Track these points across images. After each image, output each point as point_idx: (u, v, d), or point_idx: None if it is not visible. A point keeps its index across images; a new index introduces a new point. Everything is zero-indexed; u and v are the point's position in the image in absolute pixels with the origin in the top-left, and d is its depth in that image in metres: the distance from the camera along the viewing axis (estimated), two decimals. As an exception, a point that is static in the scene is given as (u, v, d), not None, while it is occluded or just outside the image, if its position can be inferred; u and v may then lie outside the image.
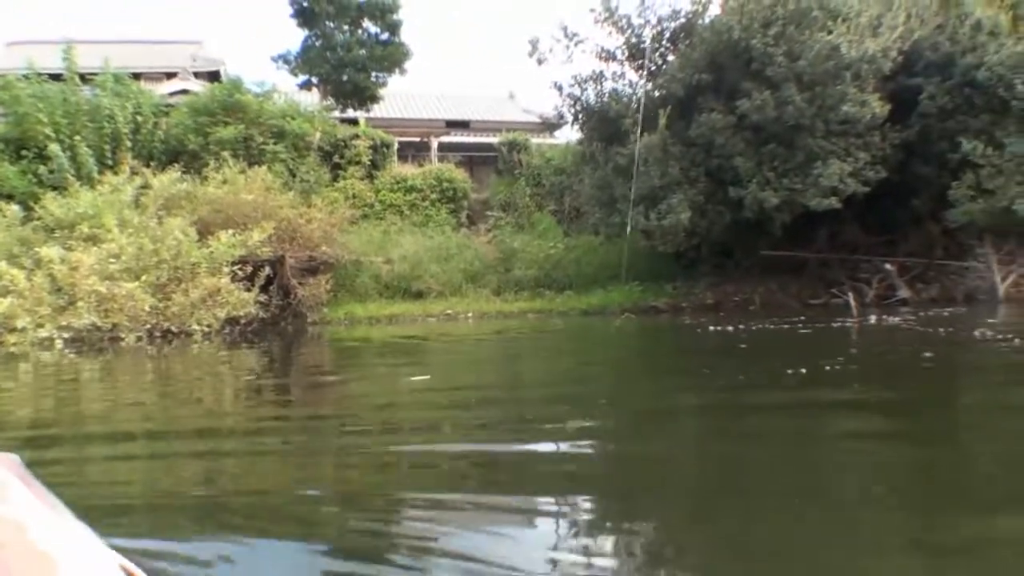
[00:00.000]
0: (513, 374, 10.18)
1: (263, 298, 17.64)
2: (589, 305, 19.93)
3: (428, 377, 8.84)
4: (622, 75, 19.72)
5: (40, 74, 23.03)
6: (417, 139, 29.55)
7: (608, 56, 19.47)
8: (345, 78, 27.88)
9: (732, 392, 7.12)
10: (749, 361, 9.65)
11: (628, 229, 17.70)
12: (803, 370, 7.74)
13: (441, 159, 28.13)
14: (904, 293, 18.13)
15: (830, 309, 17.40)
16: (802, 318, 14.57)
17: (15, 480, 1.09)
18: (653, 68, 19.29)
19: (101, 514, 3.27)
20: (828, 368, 7.92)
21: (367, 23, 28.38)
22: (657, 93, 18.46)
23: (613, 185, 18.22)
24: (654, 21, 18.92)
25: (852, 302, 17.46)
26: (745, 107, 16.23)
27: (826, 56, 15.88)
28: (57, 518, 1.06)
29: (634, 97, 18.88)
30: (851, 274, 19.08)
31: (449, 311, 19.93)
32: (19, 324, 14.48)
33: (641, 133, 17.10)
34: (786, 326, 13.39)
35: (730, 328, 13.25)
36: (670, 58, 19.17)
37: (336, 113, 27.49)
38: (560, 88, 19.39)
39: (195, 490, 4.42)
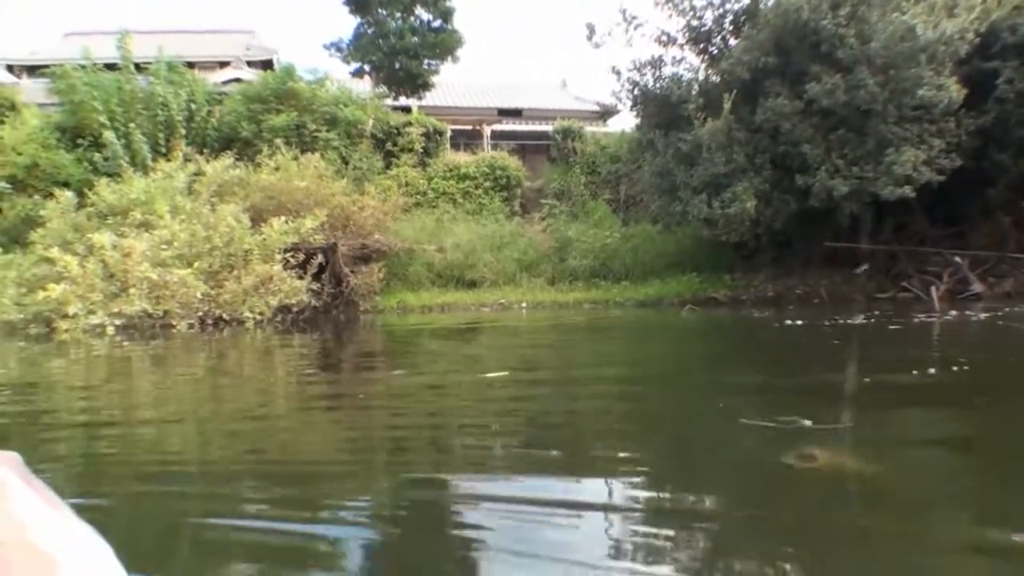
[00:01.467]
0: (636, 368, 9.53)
1: (315, 286, 17.43)
2: (646, 296, 19.41)
3: (506, 373, 8.12)
4: (682, 60, 19.10)
5: (96, 64, 23.18)
6: (469, 127, 29.22)
7: (668, 40, 18.85)
8: (397, 65, 27.59)
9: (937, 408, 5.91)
10: (869, 361, 8.81)
11: (690, 218, 17.13)
12: (931, 370, 7.13)
13: (494, 147, 27.74)
14: (977, 287, 17.32)
15: (900, 303, 16.70)
16: (877, 312, 13.92)
17: (16, 479, 1.04)
18: (715, 52, 18.67)
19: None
20: (956, 368, 7.21)
21: (419, 10, 28.02)
22: (718, 78, 17.85)
23: (674, 172, 17.62)
24: (716, 3, 18.27)
25: (935, 296, 16.72)
26: (814, 91, 15.52)
27: (900, 37, 15.10)
28: (59, 517, 1.04)
29: (695, 82, 18.28)
30: (919, 267, 18.32)
31: (502, 300, 19.56)
32: (71, 311, 14.39)
33: (704, 119, 16.48)
34: (868, 321, 12.76)
35: (804, 322, 12.66)
36: (732, 41, 18.49)
37: (388, 101, 27.22)
38: (618, 73, 18.81)
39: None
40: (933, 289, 17.12)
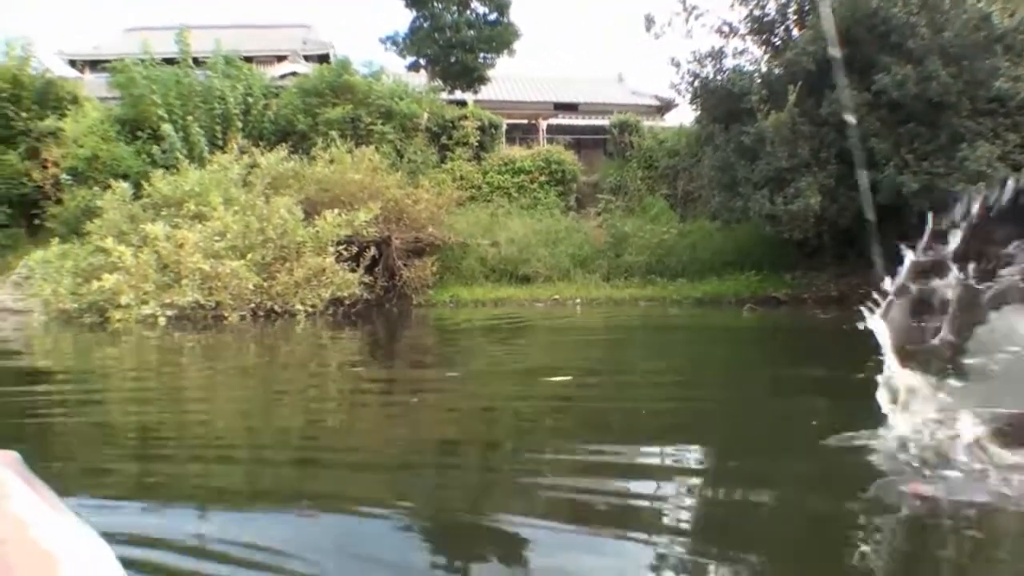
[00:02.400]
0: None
1: (368, 279, 17.30)
2: (704, 293, 18.94)
3: (570, 378, 7.45)
4: (744, 51, 18.59)
5: (155, 58, 23.52)
6: (525, 121, 29.00)
7: (730, 31, 18.36)
8: (453, 59, 27.44)
9: None
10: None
11: (751, 214, 16.61)
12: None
13: (549, 141, 27.45)
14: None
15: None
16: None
17: (15, 477, 1.01)
18: (778, 43, 18.11)
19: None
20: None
21: (476, 4, 27.86)
22: (781, 70, 17.28)
23: (735, 167, 17.10)
24: (780, -9, 17.73)
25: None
26: (883, 82, 14.89)
27: (975, 26, 14.43)
28: (58, 516, 1.00)
29: (757, 74, 17.74)
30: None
31: (556, 296, 19.26)
32: (123, 300, 14.43)
33: (768, 111, 15.96)
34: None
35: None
36: (796, 32, 17.91)
37: (444, 95, 27.09)
38: (678, 65, 18.36)
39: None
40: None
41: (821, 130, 16.08)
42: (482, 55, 28.01)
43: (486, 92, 29.57)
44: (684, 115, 26.86)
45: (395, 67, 28.13)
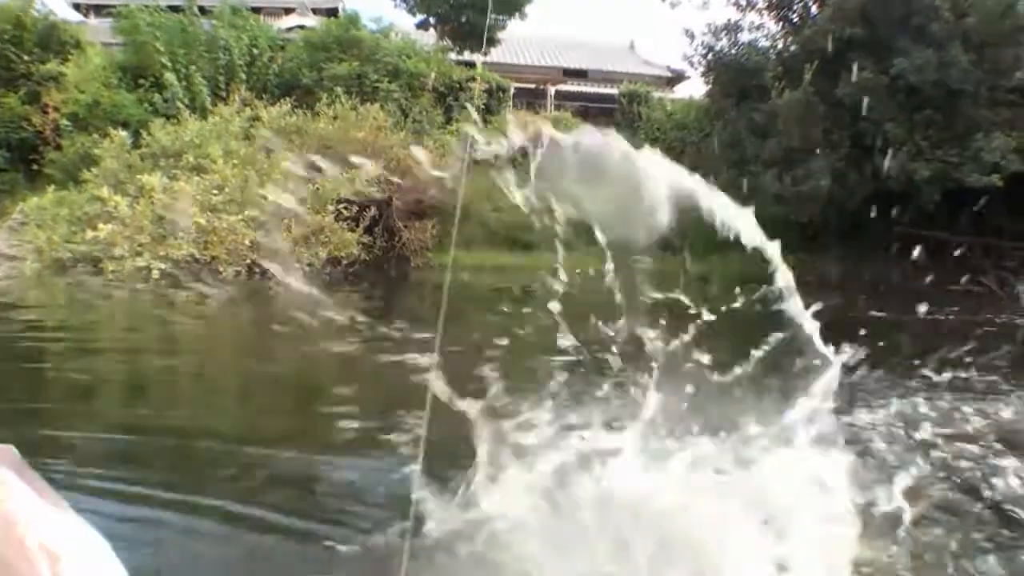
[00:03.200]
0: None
1: (367, 239, 17.07)
2: (704, 270, 18.71)
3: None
4: (760, 26, 18.26)
5: (160, 5, 23.08)
6: (533, 86, 28.63)
7: (747, 4, 18.02)
8: (464, 19, 26.95)
9: None
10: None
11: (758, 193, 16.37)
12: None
13: (557, 107, 27.16)
14: (1063, 288, 16.35)
15: (971, 298, 15.81)
16: (956, 308, 13.12)
17: (11, 473, 0.98)
18: (796, 20, 17.78)
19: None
20: None
21: (489, -38, 27.32)
22: (797, 47, 16.98)
23: (745, 144, 16.86)
24: (802, -33, 17.38)
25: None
26: (903, 66, 14.61)
27: (1000, 13, 14.14)
28: (55, 513, 0.99)
29: (772, 50, 17.45)
30: (996, 262, 17.33)
31: (557, 264, 19.01)
32: (117, 252, 14.21)
33: (782, 89, 15.68)
34: (956, 317, 11.99)
35: (888, 315, 11.86)
36: (814, 9, 17.60)
37: (453, 55, 26.66)
38: (692, 36, 18.05)
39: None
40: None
41: (835, 111, 15.82)
42: (493, 16, 27.52)
43: (495, 54, 29.12)
44: (695, 88, 26.55)
45: (404, 24, 27.72)
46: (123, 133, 17.50)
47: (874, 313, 12.15)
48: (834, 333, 3.38)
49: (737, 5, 18.22)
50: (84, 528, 1.02)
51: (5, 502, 0.93)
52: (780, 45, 17.84)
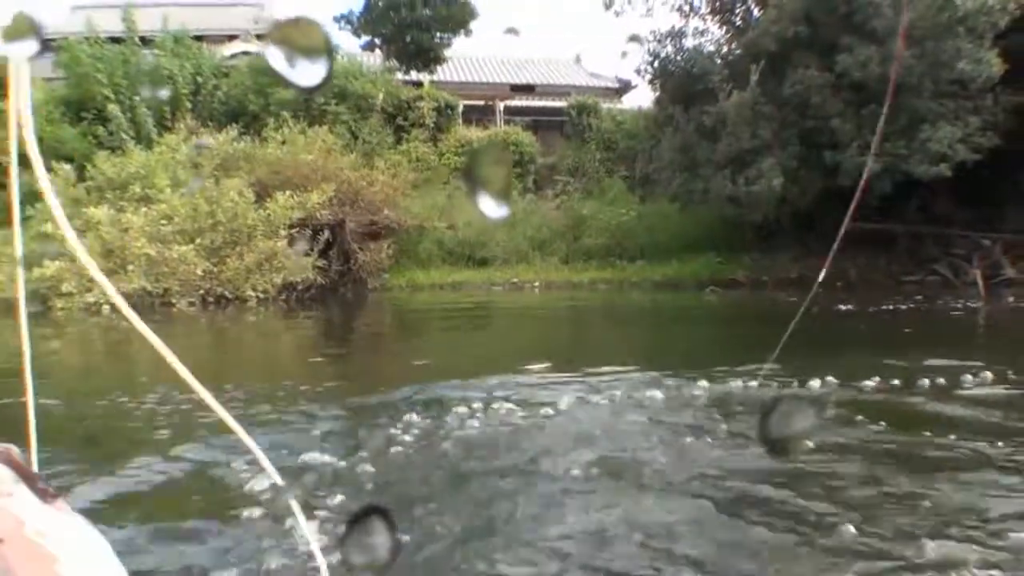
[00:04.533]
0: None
1: (322, 263, 16.85)
2: (663, 276, 18.79)
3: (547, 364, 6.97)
4: (704, 31, 18.39)
5: (101, 37, 22.72)
6: (482, 103, 28.61)
7: (690, 10, 18.16)
8: (409, 39, 26.89)
9: None
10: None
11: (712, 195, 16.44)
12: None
13: (506, 123, 27.15)
14: (1010, 272, 16.57)
15: (927, 287, 16.03)
16: (918, 297, 13.26)
17: (11, 472, 0.98)
18: (739, 23, 17.94)
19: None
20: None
21: (432, -19, 27.29)
22: (739, 51, 17.11)
23: (696, 148, 16.90)
24: (741, -30, 17.55)
25: (979, 280, 15.92)
26: (846, 63, 14.75)
27: (938, 7, 14.32)
28: (56, 513, 0.99)
29: (718, 54, 17.57)
30: (945, 250, 17.55)
31: (515, 279, 18.99)
32: (65, 288, 13.85)
33: (729, 92, 15.76)
34: (918, 307, 12.10)
35: (851, 308, 11.93)
36: (756, 12, 17.78)
37: (400, 76, 26.56)
38: (639, 41, 18.09)
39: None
40: (977, 273, 16.33)
41: (783, 111, 15.94)
42: (438, 35, 27.49)
43: (442, 73, 29.10)
44: (642, 98, 26.74)
45: (350, 47, 27.62)
46: (67, 167, 17.11)
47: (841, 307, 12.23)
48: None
49: (681, 11, 18.36)
50: (85, 528, 1.02)
51: (8, 504, 0.93)
52: (725, 49, 17.96)
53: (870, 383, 5.54)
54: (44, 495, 0.99)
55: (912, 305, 12.42)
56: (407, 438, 4.43)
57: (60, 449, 4.31)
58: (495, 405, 5.10)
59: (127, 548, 2.69)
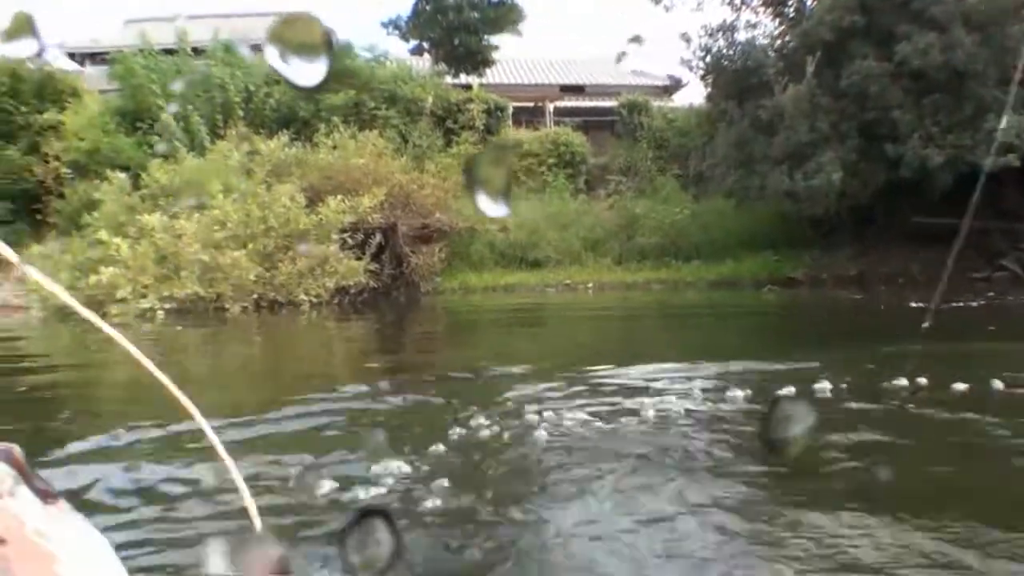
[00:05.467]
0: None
1: (374, 267, 16.84)
2: (719, 275, 18.45)
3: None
4: (756, 24, 18.04)
5: (154, 48, 23.15)
6: (531, 104, 28.46)
7: (741, 3, 17.81)
8: (457, 42, 26.87)
9: None
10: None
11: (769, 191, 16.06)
12: None
13: (556, 123, 26.97)
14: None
15: (996, 283, 15.46)
16: (990, 294, 12.76)
17: (14, 472, 0.97)
18: (792, 14, 17.54)
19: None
20: None
21: (479, -17, 27.25)
22: (796, 41, 16.71)
23: (752, 143, 16.56)
24: (795, -40, 17.17)
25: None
26: (906, 52, 14.32)
27: (1001, -9, 13.86)
28: (56, 511, 0.99)
29: (771, 47, 17.20)
30: (1013, 244, 16.95)
31: (568, 281, 18.81)
32: (120, 294, 14.00)
33: (785, 84, 15.40)
34: (989, 303, 11.66)
35: (923, 305, 11.43)
36: (809, 3, 17.40)
37: (449, 79, 26.55)
38: (689, 40, 17.83)
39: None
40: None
41: (841, 102, 15.55)
42: (486, 37, 27.44)
43: (491, 75, 29.03)
44: (692, 95, 26.37)
45: (398, 52, 27.68)
46: (122, 175, 17.35)
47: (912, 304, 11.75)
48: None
49: (732, 5, 18.04)
50: (85, 528, 1.01)
51: (8, 503, 0.92)
52: (779, 42, 17.58)
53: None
54: (45, 495, 0.98)
55: (983, 302, 11.94)
56: (481, 437, 4.27)
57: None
58: (569, 410, 4.86)
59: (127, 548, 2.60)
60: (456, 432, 4.33)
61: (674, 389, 5.49)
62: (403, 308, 16.16)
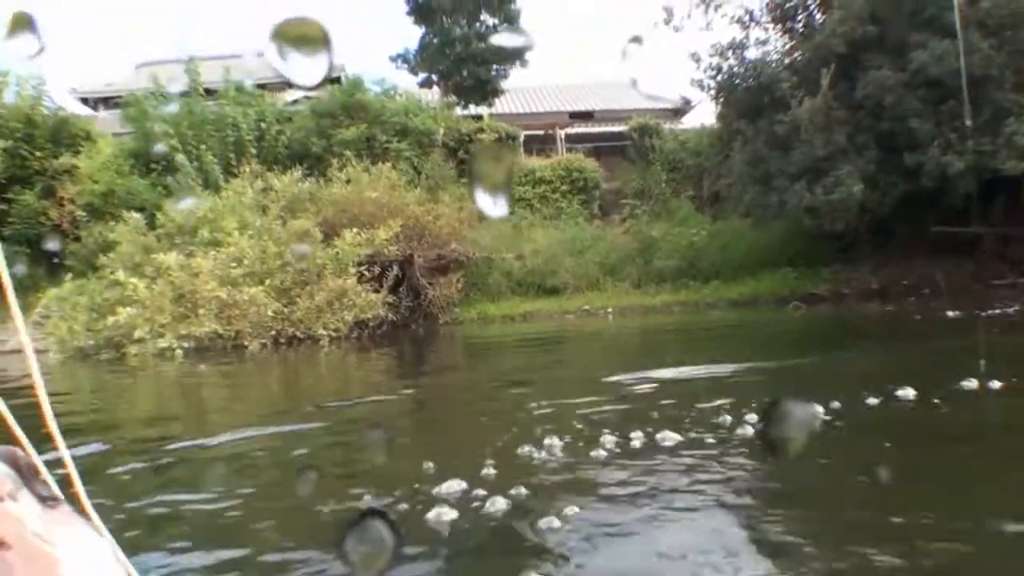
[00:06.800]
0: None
1: (392, 299, 16.75)
2: (739, 295, 18.25)
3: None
4: (766, 41, 17.98)
5: (165, 91, 23.33)
6: (541, 132, 28.48)
7: (750, 20, 17.75)
8: (465, 73, 27.03)
9: None
10: None
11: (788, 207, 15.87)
12: None
13: (568, 150, 26.95)
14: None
15: (1021, 290, 15.16)
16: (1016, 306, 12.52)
17: (14, 475, 0.96)
18: (801, 29, 17.47)
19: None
20: None
21: (485, 15, 27.42)
22: (804, 57, 16.62)
23: (768, 160, 16.38)
24: (802, -25, 17.13)
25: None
26: (922, 59, 14.18)
27: (1015, -6, 13.73)
28: (58, 514, 0.97)
29: (783, 63, 17.11)
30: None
31: (587, 307, 18.66)
32: (138, 334, 13.93)
33: (800, 99, 15.27)
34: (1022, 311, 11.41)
35: (959, 314, 11.20)
36: (818, 16, 17.32)
37: (458, 110, 26.62)
38: (699, 60, 17.76)
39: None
40: None
41: (857, 114, 15.40)
42: (494, 67, 27.55)
43: (500, 106, 29.14)
44: (702, 116, 26.27)
45: (407, 85, 27.77)
46: (137, 216, 17.38)
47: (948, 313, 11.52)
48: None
49: (740, 22, 17.97)
50: (86, 529, 1.00)
51: (9, 504, 0.91)
52: (788, 60, 17.48)
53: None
54: (47, 499, 0.97)
55: (1017, 308, 11.69)
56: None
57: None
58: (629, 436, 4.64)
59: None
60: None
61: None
62: (422, 340, 16.02)
